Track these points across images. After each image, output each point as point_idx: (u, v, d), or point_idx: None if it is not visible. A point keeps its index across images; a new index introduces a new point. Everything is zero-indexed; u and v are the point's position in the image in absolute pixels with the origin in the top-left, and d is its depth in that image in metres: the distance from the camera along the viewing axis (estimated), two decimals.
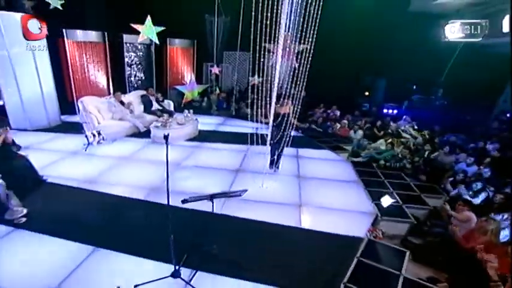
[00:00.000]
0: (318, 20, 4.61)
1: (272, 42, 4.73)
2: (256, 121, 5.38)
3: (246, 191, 3.42)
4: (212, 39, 12.37)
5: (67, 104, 9.29)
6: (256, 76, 12.66)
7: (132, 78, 11.43)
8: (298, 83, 5.17)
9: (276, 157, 6.03)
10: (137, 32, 9.28)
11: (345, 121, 9.57)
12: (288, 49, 5.11)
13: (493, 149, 6.85)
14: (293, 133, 5.89)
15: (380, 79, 12.69)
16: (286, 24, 4.70)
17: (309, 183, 5.82)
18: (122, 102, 8.35)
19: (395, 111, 11.52)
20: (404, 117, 10.08)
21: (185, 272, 3.23)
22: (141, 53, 11.46)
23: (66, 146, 6.96)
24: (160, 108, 9.47)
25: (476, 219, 3.96)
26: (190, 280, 3.14)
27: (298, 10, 4.63)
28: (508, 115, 9.76)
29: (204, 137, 8.35)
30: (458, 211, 4.22)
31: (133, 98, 9.05)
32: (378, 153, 7.12)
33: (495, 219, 3.78)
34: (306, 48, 4.91)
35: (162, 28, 9.60)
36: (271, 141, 5.62)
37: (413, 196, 5.51)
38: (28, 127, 7.90)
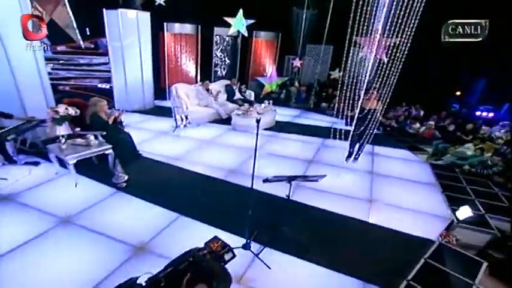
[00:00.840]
0: (418, 12, 4.45)
1: (362, 35, 4.74)
2: (337, 116, 5.47)
3: (324, 176, 3.56)
4: (297, 32, 12.60)
5: (160, 90, 10.55)
6: (337, 70, 12.64)
7: (218, 69, 12.35)
8: (386, 78, 5.08)
9: (355, 150, 6.11)
10: (227, 25, 9.99)
11: (431, 122, 8.89)
12: (379, 42, 5.02)
13: None
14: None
15: (477, 78, 11.28)
16: (380, 16, 4.66)
17: (382, 180, 5.74)
18: (208, 90, 9.17)
19: (490, 115, 10.15)
20: (501, 122, 8.90)
21: (255, 246, 3.56)
22: (228, 45, 12.30)
23: (157, 127, 7.97)
24: (242, 97, 10.10)
25: None
26: (259, 254, 3.45)
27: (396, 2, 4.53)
28: None
29: (280, 127, 8.69)
30: None
31: (218, 87, 9.82)
32: (461, 159, 6.55)
33: None
34: (399, 42, 4.79)
35: (253, 21, 10.12)
36: (354, 133, 5.68)
37: (500, 207, 4.98)
38: (128, 108, 9.23)
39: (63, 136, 4.70)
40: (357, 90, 5.26)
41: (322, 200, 4.78)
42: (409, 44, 4.82)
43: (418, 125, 9.09)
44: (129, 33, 8.53)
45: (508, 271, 3.47)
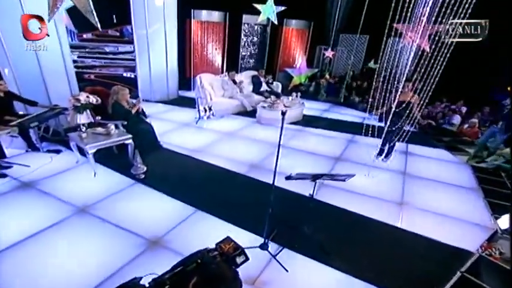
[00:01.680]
0: None
1: (403, 22, 4.44)
2: (368, 111, 5.22)
3: (353, 175, 3.37)
4: (330, 20, 12.21)
5: (185, 80, 10.61)
6: (372, 62, 12.14)
7: (245, 59, 12.24)
8: (429, 70, 4.73)
9: (387, 148, 5.84)
10: (257, 12, 9.79)
11: (475, 120, 8.26)
12: (423, 30, 4.67)
13: None
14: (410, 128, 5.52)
15: None
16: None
17: (415, 182, 5.44)
18: (234, 81, 9.11)
19: None
20: None
21: (273, 247, 3.44)
22: (256, 34, 12.14)
23: (180, 118, 8.02)
24: (269, 89, 9.95)
25: None
26: (276, 255, 3.33)
27: None
28: None
29: (307, 121, 8.52)
30: None
31: (244, 77, 9.74)
32: (508, 162, 6.04)
33: None
34: (445, 30, 4.43)
35: (283, 8, 9.86)
36: (388, 129, 5.39)
37: None
38: (151, 98, 9.38)
39: (83, 125, 4.79)
40: (394, 83, 4.95)
41: (347, 200, 4.58)
42: (457, 33, 4.44)
43: (458, 118, 8.51)
44: (155, 20, 8.59)
45: None
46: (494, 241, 3.90)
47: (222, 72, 10.79)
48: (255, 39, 12.26)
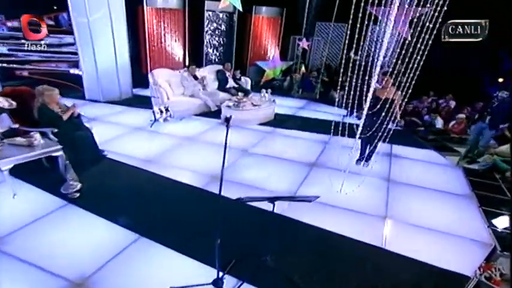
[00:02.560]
0: None
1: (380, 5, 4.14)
2: (347, 108, 4.91)
3: (317, 197, 3.03)
4: (305, 7, 11.92)
5: (141, 77, 9.97)
6: (352, 53, 11.94)
7: (210, 51, 11.76)
8: (409, 61, 4.45)
9: (367, 153, 5.55)
10: None
11: (462, 115, 8.19)
12: (403, 14, 4.40)
13: None
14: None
15: None
16: None
17: (401, 190, 5.21)
18: (195, 77, 8.61)
19: None
20: None
21: (230, 281, 3.02)
22: (222, 23, 11.68)
23: (132, 121, 7.47)
24: (236, 86, 9.53)
25: None
26: None
27: None
28: None
29: (279, 121, 8.23)
30: None
31: (208, 73, 9.27)
32: (504, 161, 5.92)
33: None
34: (427, 13, 4.17)
35: None
36: (364, 134, 5.05)
37: None
38: (100, 99, 8.73)
39: None
40: (369, 77, 4.64)
41: (322, 215, 4.23)
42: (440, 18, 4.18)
43: (441, 122, 8.45)
44: (97, 6, 7.95)
45: None
46: (493, 260, 3.63)
47: (185, 67, 10.28)
48: (221, 28, 11.79)
